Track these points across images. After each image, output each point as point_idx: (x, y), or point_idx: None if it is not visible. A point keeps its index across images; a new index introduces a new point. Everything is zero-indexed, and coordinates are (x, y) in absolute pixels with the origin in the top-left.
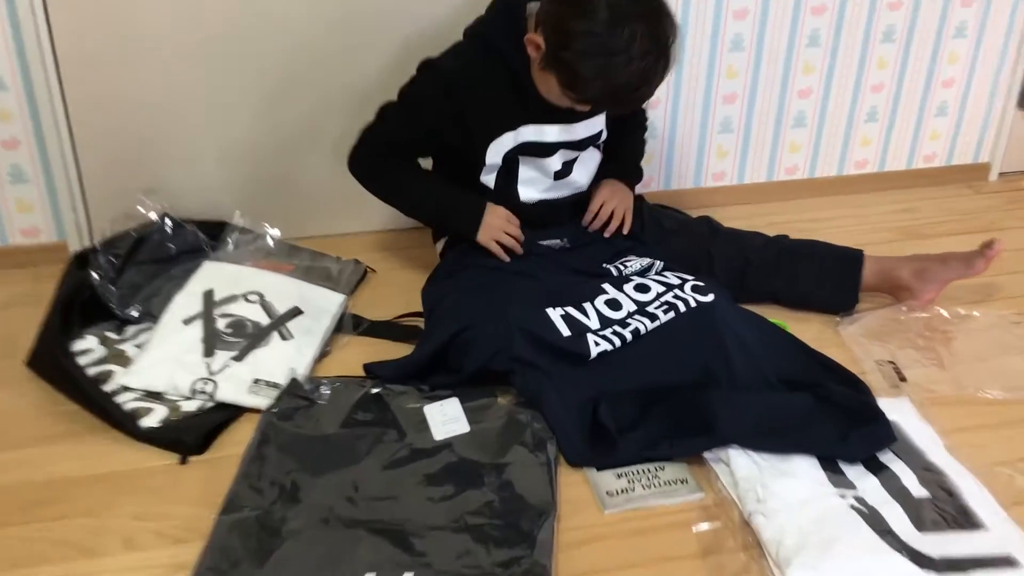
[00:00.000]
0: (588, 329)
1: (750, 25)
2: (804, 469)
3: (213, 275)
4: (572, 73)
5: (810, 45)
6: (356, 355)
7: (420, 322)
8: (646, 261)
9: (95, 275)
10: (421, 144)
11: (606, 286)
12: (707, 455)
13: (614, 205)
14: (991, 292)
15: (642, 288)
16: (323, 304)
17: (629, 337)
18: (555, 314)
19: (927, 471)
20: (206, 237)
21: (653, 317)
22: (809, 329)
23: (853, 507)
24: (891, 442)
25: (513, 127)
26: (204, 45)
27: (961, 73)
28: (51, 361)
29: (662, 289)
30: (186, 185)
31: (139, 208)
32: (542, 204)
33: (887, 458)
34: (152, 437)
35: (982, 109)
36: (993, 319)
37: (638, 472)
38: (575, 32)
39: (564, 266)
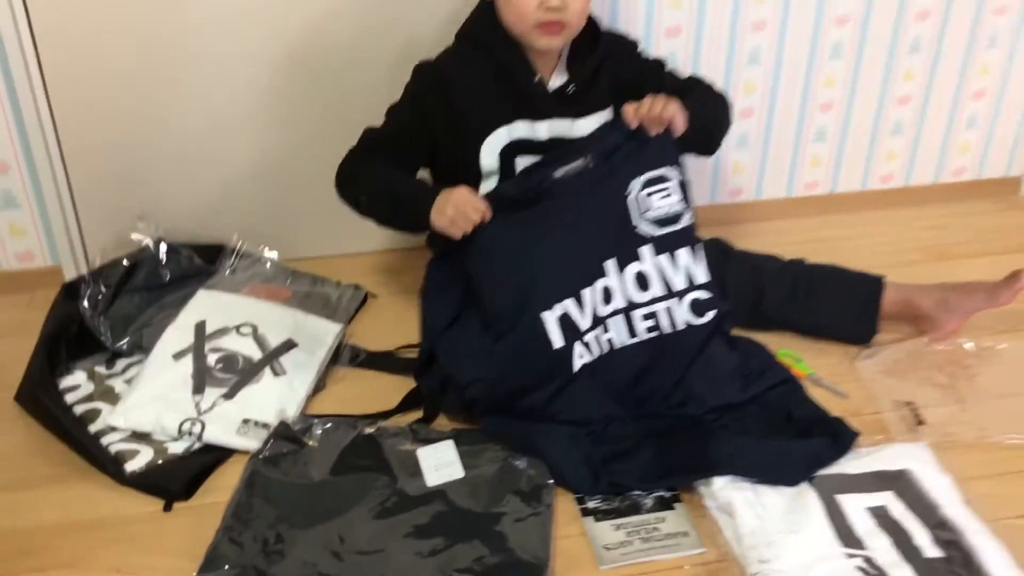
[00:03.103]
0: (579, 334)
1: (768, 38)
2: (812, 526)
3: (206, 305)
4: None
5: (833, 57)
6: (351, 390)
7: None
8: (678, 204)
9: (85, 306)
10: (412, 139)
11: (609, 264)
12: (710, 504)
13: (663, 101)
14: (1020, 321)
15: (642, 281)
16: (319, 335)
17: (604, 348)
18: (550, 317)
19: (942, 529)
20: (202, 262)
21: (632, 332)
22: (827, 362)
23: (861, 568)
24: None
25: (506, 121)
26: (201, 61)
27: (993, 84)
28: (36, 401)
29: (660, 293)
30: (183, 206)
31: (133, 236)
32: None
33: (899, 513)
34: (137, 482)
35: (1015, 121)
36: (1020, 352)
37: (637, 525)
38: None
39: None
